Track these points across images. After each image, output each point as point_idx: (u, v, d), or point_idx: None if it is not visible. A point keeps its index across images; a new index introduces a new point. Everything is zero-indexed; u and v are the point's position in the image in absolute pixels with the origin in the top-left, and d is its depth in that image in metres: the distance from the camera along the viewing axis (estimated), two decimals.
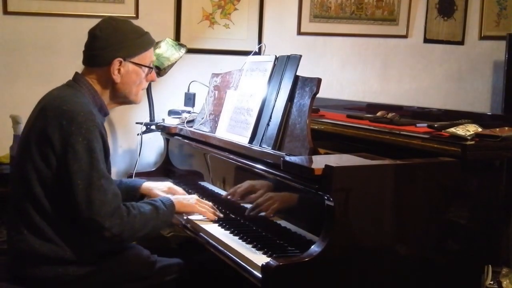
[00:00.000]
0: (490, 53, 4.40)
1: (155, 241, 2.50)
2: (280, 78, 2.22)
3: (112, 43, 1.97)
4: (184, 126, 2.77)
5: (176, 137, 2.85)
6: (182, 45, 3.13)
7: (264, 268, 1.62)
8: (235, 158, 2.24)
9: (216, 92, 2.68)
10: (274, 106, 2.19)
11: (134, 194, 2.31)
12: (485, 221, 1.94)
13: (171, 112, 3.08)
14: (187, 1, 3.45)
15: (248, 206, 2.16)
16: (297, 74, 2.15)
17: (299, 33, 3.78)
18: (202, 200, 2.25)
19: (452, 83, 4.33)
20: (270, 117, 2.18)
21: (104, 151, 1.90)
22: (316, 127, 2.41)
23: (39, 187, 1.84)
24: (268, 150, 2.09)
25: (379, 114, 2.49)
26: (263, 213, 2.05)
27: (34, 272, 1.86)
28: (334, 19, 3.87)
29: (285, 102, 2.13)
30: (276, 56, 2.31)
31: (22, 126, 2.75)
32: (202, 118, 2.70)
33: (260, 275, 1.66)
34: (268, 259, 1.67)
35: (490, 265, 1.94)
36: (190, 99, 3.08)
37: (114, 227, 1.81)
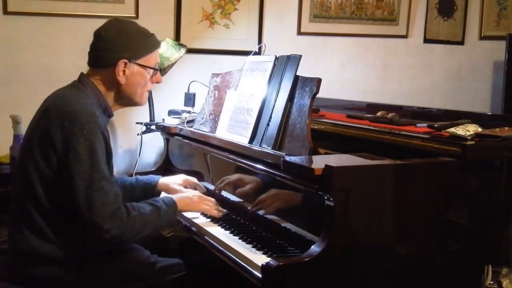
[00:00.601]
0: (490, 53, 4.40)
1: (155, 241, 2.51)
2: (280, 78, 2.22)
3: (117, 44, 1.97)
4: (184, 126, 2.77)
5: (176, 137, 2.85)
6: (182, 45, 3.12)
7: (264, 268, 1.62)
8: (235, 158, 2.24)
9: (216, 92, 2.68)
10: (274, 106, 2.19)
11: (151, 191, 2.31)
12: (485, 221, 1.94)
13: (171, 112, 3.08)
14: (187, 1, 3.45)
15: (248, 206, 2.16)
16: (297, 74, 2.15)
17: (299, 33, 3.78)
18: (205, 196, 2.22)
19: (452, 83, 4.33)
20: (270, 117, 2.18)
21: (107, 153, 1.90)
22: (316, 127, 2.41)
23: (40, 187, 1.84)
24: (268, 150, 2.09)
25: (379, 114, 2.50)
26: (263, 213, 2.05)
27: (35, 272, 1.86)
28: (334, 19, 3.87)
29: (285, 102, 2.13)
30: (276, 56, 2.31)
31: (22, 126, 2.75)
32: (202, 118, 2.70)
33: (260, 275, 1.66)
34: (268, 259, 1.67)
35: (490, 265, 1.94)
36: (190, 99, 3.08)
37: (114, 228, 1.81)
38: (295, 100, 2.11)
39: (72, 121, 1.81)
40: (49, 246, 1.85)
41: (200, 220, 2.19)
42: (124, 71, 1.98)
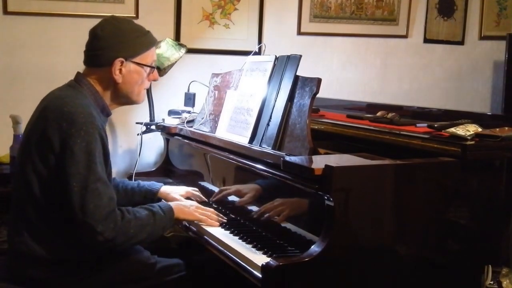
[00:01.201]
0: (490, 53, 4.40)
1: (155, 242, 2.51)
2: (280, 78, 2.22)
3: (113, 43, 1.96)
4: (184, 126, 2.77)
5: (176, 137, 2.85)
6: (182, 45, 3.13)
7: (264, 268, 1.62)
8: (235, 158, 2.24)
9: (216, 92, 2.68)
10: (274, 106, 2.19)
11: (151, 198, 2.30)
12: (485, 221, 1.94)
13: (171, 112, 3.08)
14: (187, 1, 3.45)
15: (248, 206, 2.16)
16: (297, 74, 2.15)
17: (299, 33, 3.78)
18: (202, 207, 2.20)
19: (452, 83, 4.33)
20: (270, 117, 2.18)
21: (104, 154, 1.88)
22: (316, 127, 2.41)
23: (38, 188, 1.84)
24: (268, 150, 2.09)
25: (379, 114, 2.49)
26: (263, 213, 2.05)
27: (34, 273, 1.85)
28: (334, 19, 3.87)
29: (285, 102, 2.13)
30: (276, 56, 2.31)
31: (22, 126, 2.75)
32: (202, 118, 2.70)
33: (260, 275, 1.66)
34: (268, 259, 1.67)
35: (490, 265, 1.94)
36: (190, 99, 3.08)
37: (107, 231, 1.79)
38: (295, 100, 2.11)
39: (69, 122, 1.81)
40: (48, 247, 1.84)
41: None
42: (120, 69, 1.97)
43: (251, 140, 2.22)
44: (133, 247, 2.08)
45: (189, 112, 3.00)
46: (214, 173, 2.51)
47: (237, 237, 1.98)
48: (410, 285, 1.83)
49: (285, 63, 2.23)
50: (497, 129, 1.97)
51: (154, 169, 3.01)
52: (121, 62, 1.97)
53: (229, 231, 2.05)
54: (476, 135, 1.91)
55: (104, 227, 1.79)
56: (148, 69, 2.04)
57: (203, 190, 2.54)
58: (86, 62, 2.03)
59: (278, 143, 2.10)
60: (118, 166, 3.37)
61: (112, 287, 1.95)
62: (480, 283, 1.93)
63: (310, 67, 3.41)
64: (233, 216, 2.22)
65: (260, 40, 3.59)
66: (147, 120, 3.14)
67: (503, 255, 1.99)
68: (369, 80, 4.05)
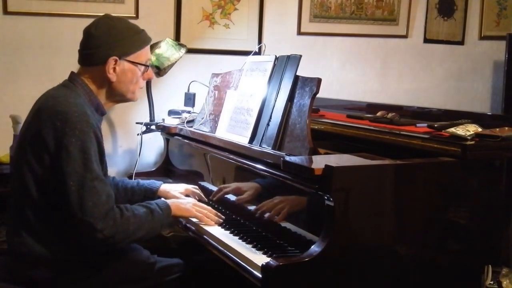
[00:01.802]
0: (490, 53, 4.40)
1: (155, 242, 2.51)
2: (280, 78, 2.22)
3: (106, 41, 1.95)
4: (184, 126, 2.77)
5: (176, 137, 2.85)
6: (182, 45, 3.13)
7: (264, 268, 1.62)
8: (235, 158, 2.24)
9: (216, 92, 2.68)
10: (274, 106, 2.19)
11: (151, 196, 2.30)
12: (485, 221, 1.94)
13: (171, 112, 3.08)
14: (187, 1, 3.45)
15: (248, 206, 2.16)
16: (297, 74, 2.15)
17: (299, 33, 3.78)
18: (200, 204, 2.21)
19: (452, 83, 4.33)
20: (270, 117, 2.18)
21: (99, 152, 1.88)
22: (316, 127, 2.41)
23: (34, 188, 1.84)
24: (268, 150, 2.09)
25: (379, 114, 2.49)
26: (263, 213, 2.05)
27: (34, 273, 1.85)
28: (334, 19, 3.87)
29: (285, 102, 2.13)
30: (276, 56, 2.31)
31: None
32: (202, 118, 2.70)
33: (260, 275, 1.66)
34: (268, 259, 1.68)
35: (490, 265, 1.94)
36: (190, 99, 3.08)
37: (107, 229, 1.79)
38: (295, 100, 2.11)
39: (63, 121, 1.80)
40: (47, 247, 1.84)
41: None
42: (114, 68, 1.97)
43: (251, 140, 2.22)
44: (133, 247, 2.08)
45: (189, 112, 3.00)
46: (214, 173, 2.51)
47: (237, 237, 1.98)
48: (410, 285, 1.83)
49: (285, 63, 2.23)
50: (497, 129, 1.97)
51: (154, 169, 3.01)
52: (114, 60, 1.96)
53: (229, 231, 2.04)
54: (476, 135, 1.91)
55: (103, 224, 1.79)
56: (142, 67, 2.04)
57: (203, 190, 2.54)
58: (80, 61, 2.02)
59: (278, 143, 2.10)
60: (118, 166, 3.37)
61: (112, 287, 1.95)
62: (480, 283, 1.93)
63: (310, 67, 3.42)
64: (233, 216, 2.22)
65: (260, 40, 3.59)
66: (147, 120, 3.14)
67: (503, 255, 1.99)
68: (369, 80, 4.05)
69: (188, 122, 2.81)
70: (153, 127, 3.07)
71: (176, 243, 2.59)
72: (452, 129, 1.93)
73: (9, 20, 3.13)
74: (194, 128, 2.70)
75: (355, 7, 3.92)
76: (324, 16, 3.83)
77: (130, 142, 3.38)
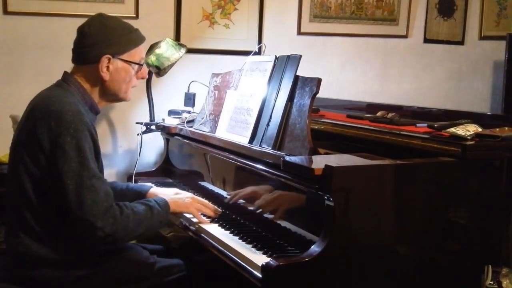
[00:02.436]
0: (490, 53, 4.40)
1: (155, 242, 2.50)
2: (280, 78, 2.22)
3: (100, 40, 1.95)
4: (184, 126, 2.77)
5: (176, 137, 2.85)
6: (182, 45, 3.12)
7: (264, 268, 1.62)
8: (235, 158, 2.24)
9: (216, 92, 2.68)
10: (274, 106, 2.19)
11: (140, 199, 2.30)
12: (485, 221, 1.94)
13: (171, 112, 3.08)
14: (187, 1, 3.45)
15: (248, 206, 2.16)
16: (297, 74, 2.15)
17: (299, 33, 3.78)
18: (198, 198, 2.22)
19: (452, 83, 4.33)
20: (270, 117, 2.18)
21: (95, 150, 1.88)
22: (316, 127, 2.41)
23: (31, 189, 1.83)
24: (268, 150, 2.09)
25: (379, 114, 2.49)
26: (263, 213, 2.05)
27: (33, 274, 1.85)
28: (334, 19, 3.87)
29: (285, 102, 2.13)
30: (276, 56, 2.31)
31: None
32: (202, 118, 2.70)
33: (260, 275, 1.66)
34: (268, 259, 1.67)
35: (490, 265, 1.94)
36: (190, 99, 3.08)
37: (107, 226, 1.79)
38: (295, 100, 2.11)
39: (58, 121, 1.80)
40: (46, 247, 1.84)
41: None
42: (108, 67, 1.96)
43: (251, 140, 2.22)
44: (133, 248, 2.08)
45: (189, 112, 3.00)
46: (214, 173, 2.51)
47: (237, 237, 1.98)
48: (410, 285, 1.83)
49: (285, 63, 2.23)
50: (497, 129, 1.97)
51: (154, 169, 3.01)
52: (108, 59, 1.96)
53: (229, 231, 2.04)
54: (476, 135, 1.91)
55: (103, 222, 1.79)
56: (136, 66, 2.03)
57: (203, 190, 2.54)
58: (74, 60, 2.02)
59: (278, 143, 2.10)
60: (118, 166, 3.37)
61: (112, 287, 1.95)
62: (480, 283, 1.93)
63: (310, 67, 3.42)
64: (233, 216, 2.22)
65: (260, 40, 3.59)
66: (147, 120, 3.14)
67: (503, 255, 1.99)
68: (369, 80, 4.05)
69: (188, 122, 2.81)
70: (153, 127, 3.07)
71: (176, 243, 2.59)
72: (452, 129, 1.93)
73: (9, 20, 3.13)
74: (194, 128, 2.70)
75: (355, 7, 3.92)
76: (324, 16, 3.83)
77: (130, 142, 3.38)
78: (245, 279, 1.74)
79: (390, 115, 2.41)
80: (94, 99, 2.01)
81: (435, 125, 2.06)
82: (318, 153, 1.97)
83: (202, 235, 2.08)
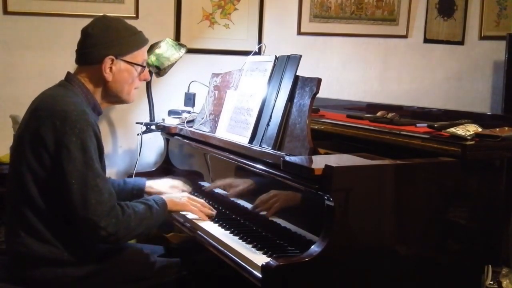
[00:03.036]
0: (490, 53, 4.40)
1: (155, 242, 2.51)
2: (280, 78, 2.22)
3: (103, 41, 1.96)
4: (184, 126, 2.77)
5: (176, 137, 2.85)
6: (182, 45, 3.12)
7: (264, 268, 1.62)
8: (235, 158, 2.24)
9: (216, 92, 2.68)
10: (274, 106, 2.19)
11: (139, 194, 2.32)
12: (485, 221, 1.94)
13: (171, 112, 3.08)
14: (187, 1, 3.45)
15: (248, 206, 2.16)
16: (297, 74, 2.15)
17: (299, 33, 3.78)
18: (194, 197, 2.24)
19: (452, 83, 4.33)
20: (270, 117, 2.18)
21: (99, 150, 1.89)
22: (316, 127, 2.41)
23: (34, 188, 1.83)
24: (268, 150, 2.09)
25: (379, 114, 2.49)
26: (263, 213, 2.05)
27: (33, 273, 1.85)
28: (334, 19, 3.87)
29: (285, 102, 2.13)
30: (276, 56, 2.31)
31: None
32: (202, 118, 2.70)
33: (260, 275, 1.66)
34: (268, 259, 1.67)
35: (490, 265, 1.94)
36: (190, 99, 3.08)
37: (110, 226, 1.81)
38: (295, 100, 2.11)
39: (63, 120, 1.80)
40: (47, 247, 1.84)
41: (201, 221, 2.19)
42: (110, 68, 1.97)
43: (251, 140, 2.22)
44: (133, 247, 2.09)
45: (189, 112, 3.00)
46: (214, 173, 2.51)
47: (237, 237, 1.98)
48: (410, 285, 1.83)
49: (285, 63, 2.23)
50: (497, 129, 1.97)
51: (154, 169, 3.01)
52: (111, 60, 1.96)
53: (229, 231, 2.04)
54: (476, 135, 1.91)
55: (106, 222, 1.80)
56: (139, 68, 2.04)
57: (203, 190, 2.54)
58: (77, 60, 2.03)
59: (278, 143, 2.10)
60: (118, 166, 3.37)
61: (112, 287, 1.95)
62: (480, 283, 1.93)
63: (310, 67, 3.42)
64: (233, 216, 2.22)
65: (260, 40, 3.59)
66: (147, 120, 3.14)
67: (503, 255, 1.99)
68: (369, 80, 4.05)
69: (188, 122, 2.81)
70: (153, 127, 3.07)
71: (176, 243, 2.59)
72: (452, 129, 1.93)
73: (9, 20, 3.13)
74: (194, 128, 2.70)
75: (355, 7, 3.92)
76: (324, 16, 3.84)
77: (130, 142, 3.38)
78: (245, 279, 1.74)
79: (390, 115, 2.41)
80: (97, 100, 2.01)
81: (435, 125, 2.06)
82: (318, 153, 1.97)
83: (202, 235, 2.08)
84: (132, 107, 3.30)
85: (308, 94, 2.06)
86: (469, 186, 1.91)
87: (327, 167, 1.67)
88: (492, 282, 1.94)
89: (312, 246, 1.67)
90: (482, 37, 4.38)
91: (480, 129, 1.94)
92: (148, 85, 3.10)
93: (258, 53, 3.10)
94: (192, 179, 2.69)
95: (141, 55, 2.05)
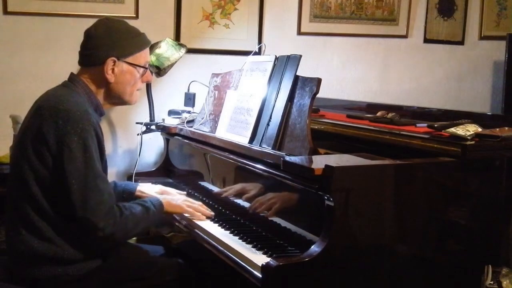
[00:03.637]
0: (490, 53, 4.40)
1: (155, 242, 2.51)
2: (280, 78, 2.22)
3: (106, 42, 1.97)
4: (184, 126, 2.77)
5: (176, 137, 2.85)
6: (182, 45, 3.12)
7: (264, 268, 1.62)
8: (235, 158, 2.24)
9: (216, 92, 2.68)
10: (274, 106, 2.19)
11: (129, 197, 2.32)
12: (485, 221, 1.94)
13: (171, 112, 3.08)
14: (187, 1, 3.45)
15: (248, 206, 2.16)
16: (297, 74, 2.15)
17: (299, 33, 3.78)
18: (190, 200, 2.25)
19: (452, 83, 4.33)
20: (270, 117, 2.18)
21: (100, 150, 1.89)
22: (316, 127, 2.41)
23: (36, 186, 1.84)
24: (268, 150, 2.09)
25: (379, 114, 2.49)
26: (263, 213, 2.05)
27: (34, 272, 1.85)
28: (334, 19, 3.87)
29: (285, 102, 2.13)
30: (276, 56, 2.31)
31: None
32: (202, 118, 2.70)
33: (260, 275, 1.66)
34: (268, 259, 1.68)
35: (490, 265, 1.94)
36: (190, 99, 3.08)
37: (108, 227, 1.82)
38: (295, 100, 2.11)
39: (65, 120, 1.81)
40: (48, 245, 1.84)
41: (201, 221, 2.19)
42: (113, 69, 1.97)
43: (251, 140, 2.22)
44: (133, 247, 2.09)
45: (189, 112, 3.00)
46: (214, 173, 2.51)
47: (237, 237, 1.98)
48: (410, 285, 1.83)
49: (285, 63, 2.23)
50: (497, 129, 1.97)
51: (154, 169, 3.01)
52: (113, 61, 1.97)
53: (229, 231, 2.05)
54: (476, 135, 1.91)
55: (105, 223, 1.81)
56: (141, 70, 2.04)
57: (203, 190, 2.54)
58: (80, 61, 2.03)
59: (278, 143, 2.10)
60: (118, 166, 3.37)
61: (112, 287, 1.95)
62: (480, 283, 1.93)
63: (310, 67, 3.43)
64: (233, 216, 2.22)
65: (260, 40, 3.59)
66: (147, 120, 3.14)
67: (503, 255, 1.99)
68: (369, 80, 4.05)
69: (188, 122, 2.81)
70: (153, 127, 3.07)
71: (176, 243, 2.59)
72: (452, 129, 1.93)
73: (9, 20, 3.13)
74: (194, 128, 2.70)
75: (355, 7, 3.92)
76: (324, 16, 3.84)
77: (130, 142, 3.38)
78: (245, 279, 1.74)
79: (390, 115, 2.41)
80: (99, 101, 2.02)
81: (435, 125, 2.06)
82: (318, 153, 1.97)
83: (202, 235, 2.08)
84: (132, 107, 3.30)
85: (308, 94, 2.06)
86: (469, 186, 1.91)
87: (327, 167, 1.67)
88: (492, 282, 1.94)
89: (312, 246, 1.67)
90: (482, 37, 4.38)
91: (480, 129, 1.94)
92: (148, 85, 3.10)
93: (258, 53, 3.10)
94: (192, 179, 2.69)
95: (143, 56, 2.05)
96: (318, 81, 2.04)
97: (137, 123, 3.13)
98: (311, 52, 3.76)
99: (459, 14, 4.27)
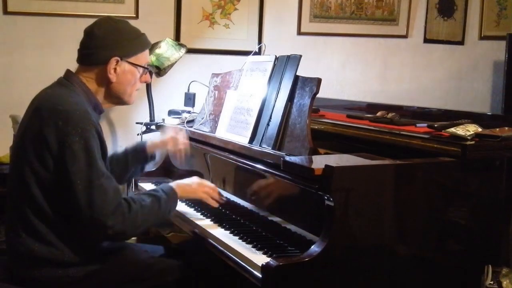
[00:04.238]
0: (490, 53, 4.40)
1: (155, 242, 2.50)
2: (280, 78, 2.22)
3: (109, 41, 1.96)
4: (184, 126, 2.77)
5: None
6: (182, 45, 3.13)
7: (264, 268, 1.62)
8: (235, 158, 2.24)
9: (216, 92, 2.68)
10: (274, 106, 2.19)
11: (144, 155, 2.39)
12: (485, 221, 1.94)
13: (171, 112, 3.08)
14: (187, 1, 3.46)
15: (248, 206, 2.16)
16: (297, 74, 2.15)
17: (299, 33, 3.79)
18: (205, 182, 2.22)
19: (452, 83, 4.34)
20: (270, 117, 2.18)
21: (102, 149, 1.88)
22: (316, 127, 2.41)
23: (37, 189, 1.83)
24: (268, 150, 2.09)
25: (379, 114, 2.49)
26: (263, 213, 2.05)
27: (33, 274, 1.85)
28: (334, 19, 3.88)
29: (285, 102, 2.13)
30: (276, 56, 2.31)
31: None
32: (202, 118, 2.70)
33: (260, 275, 1.66)
34: (268, 259, 1.67)
35: (490, 265, 1.94)
36: (190, 99, 3.09)
37: (117, 224, 1.80)
38: (295, 100, 2.11)
39: (65, 120, 1.80)
40: (48, 247, 1.84)
41: (201, 221, 2.19)
42: (115, 69, 1.97)
43: (251, 140, 2.22)
44: (133, 248, 2.08)
45: (189, 112, 3.00)
46: (214, 173, 2.51)
47: (237, 237, 1.98)
48: (410, 285, 1.83)
49: (285, 63, 2.23)
50: (497, 129, 1.97)
51: (154, 169, 3.01)
52: (116, 61, 1.96)
53: (229, 231, 2.04)
54: (476, 135, 1.91)
55: (113, 221, 1.79)
56: (141, 70, 2.04)
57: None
58: (79, 60, 2.01)
59: (278, 143, 2.10)
60: None
61: (112, 287, 1.95)
62: (480, 283, 1.93)
63: (310, 67, 3.42)
64: (233, 216, 2.22)
65: (260, 40, 3.59)
66: (147, 120, 3.14)
67: (503, 255, 1.99)
68: (369, 80, 4.05)
69: (188, 122, 2.81)
70: (153, 127, 3.07)
71: (176, 243, 2.59)
72: (452, 129, 1.93)
73: (9, 20, 3.14)
74: (194, 128, 2.70)
75: (355, 7, 3.92)
76: (324, 16, 3.84)
77: (130, 142, 3.35)
78: (245, 279, 1.74)
79: (390, 115, 2.41)
80: (98, 99, 2.01)
81: (435, 125, 2.06)
82: (318, 153, 1.97)
83: (202, 235, 2.08)
84: (132, 107, 3.30)
85: (308, 94, 2.06)
86: (469, 186, 1.91)
87: (327, 167, 1.67)
88: (492, 282, 1.94)
89: (312, 246, 1.67)
90: (482, 37, 4.38)
91: (480, 129, 1.93)
92: (148, 85, 3.10)
93: (258, 53, 3.10)
94: None
95: (144, 57, 2.05)
96: (318, 81, 2.04)
97: (137, 123, 3.13)
98: (311, 52, 3.76)
99: (459, 14, 4.28)
